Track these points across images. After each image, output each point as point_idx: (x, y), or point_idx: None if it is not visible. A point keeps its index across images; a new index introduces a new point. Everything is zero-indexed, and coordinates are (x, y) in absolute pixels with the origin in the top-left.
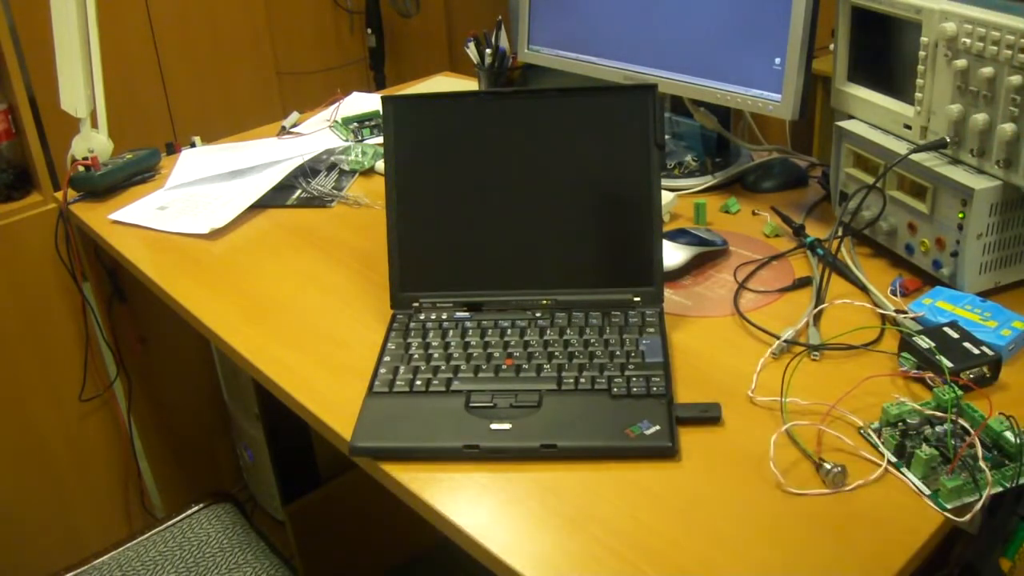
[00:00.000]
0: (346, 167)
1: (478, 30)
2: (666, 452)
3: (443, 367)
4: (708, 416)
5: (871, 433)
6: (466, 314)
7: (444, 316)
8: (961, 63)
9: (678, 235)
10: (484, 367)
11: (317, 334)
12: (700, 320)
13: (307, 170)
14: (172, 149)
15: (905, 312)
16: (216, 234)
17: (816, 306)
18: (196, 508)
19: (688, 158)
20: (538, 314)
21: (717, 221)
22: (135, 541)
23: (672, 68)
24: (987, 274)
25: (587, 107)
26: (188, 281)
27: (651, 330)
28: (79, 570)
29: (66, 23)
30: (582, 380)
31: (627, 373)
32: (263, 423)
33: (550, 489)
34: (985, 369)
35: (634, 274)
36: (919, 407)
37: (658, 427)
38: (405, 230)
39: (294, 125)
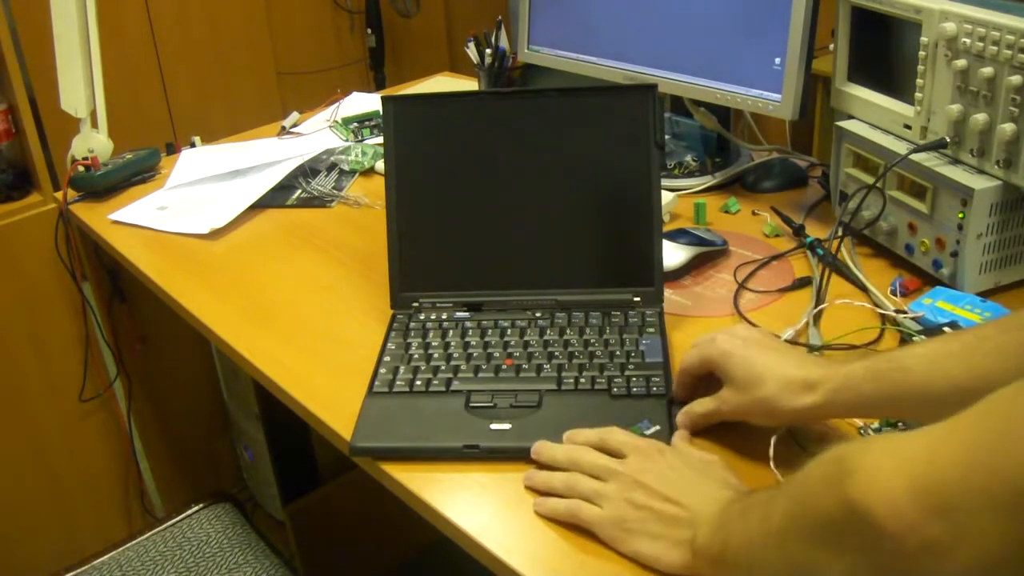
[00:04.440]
0: (346, 167)
1: (478, 30)
2: None
3: (443, 367)
4: None
5: (871, 433)
6: (466, 314)
7: (444, 316)
8: (961, 63)
9: (678, 235)
10: (484, 367)
11: (317, 334)
12: (700, 320)
13: (307, 170)
14: (172, 149)
15: (905, 312)
16: (216, 234)
17: (816, 306)
18: (196, 508)
19: (688, 158)
20: (538, 314)
21: (717, 221)
22: (135, 541)
23: (672, 68)
24: (987, 274)
25: (587, 107)
26: (188, 281)
27: (651, 330)
28: (79, 570)
29: (66, 23)
30: (582, 380)
31: (627, 373)
32: (263, 423)
33: None
34: None
35: (634, 274)
36: None
37: (658, 427)
38: (405, 230)
39: (294, 125)
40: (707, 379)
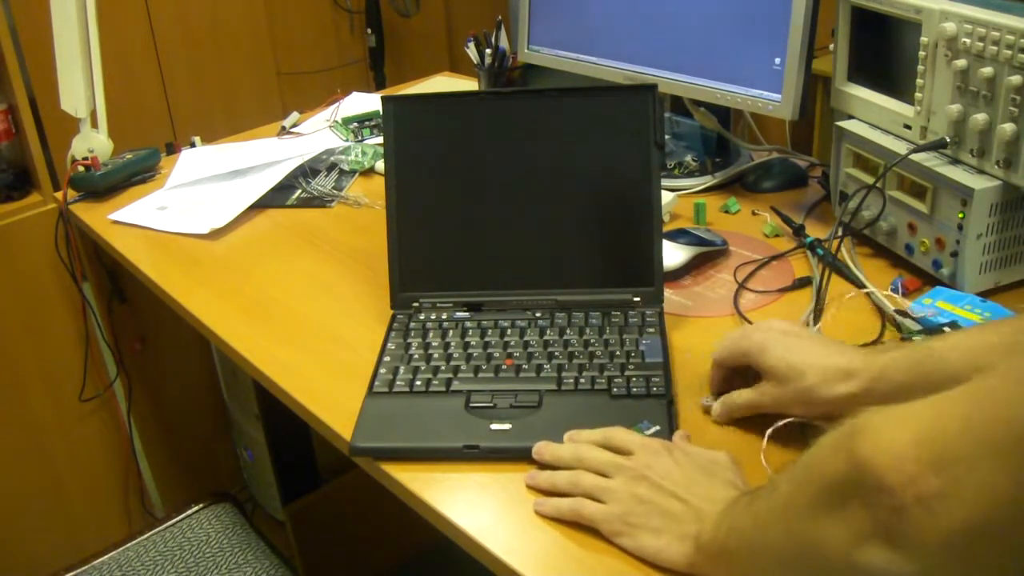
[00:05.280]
0: (346, 167)
1: (478, 30)
2: None
3: (443, 367)
4: None
5: None
6: (466, 314)
7: (444, 316)
8: (961, 63)
9: (678, 235)
10: (484, 367)
11: (317, 334)
12: (700, 320)
13: (307, 170)
14: (172, 149)
15: (905, 312)
16: (216, 234)
17: (816, 306)
18: (196, 508)
19: (688, 158)
20: (538, 314)
21: (717, 221)
22: (135, 541)
23: (672, 68)
24: (987, 274)
25: (587, 107)
26: (188, 281)
27: (651, 330)
28: (79, 570)
29: (66, 23)
30: (582, 380)
31: (627, 373)
32: (263, 423)
33: None
34: None
35: (634, 274)
36: None
37: (658, 427)
38: (405, 230)
39: (294, 125)
40: (743, 371)
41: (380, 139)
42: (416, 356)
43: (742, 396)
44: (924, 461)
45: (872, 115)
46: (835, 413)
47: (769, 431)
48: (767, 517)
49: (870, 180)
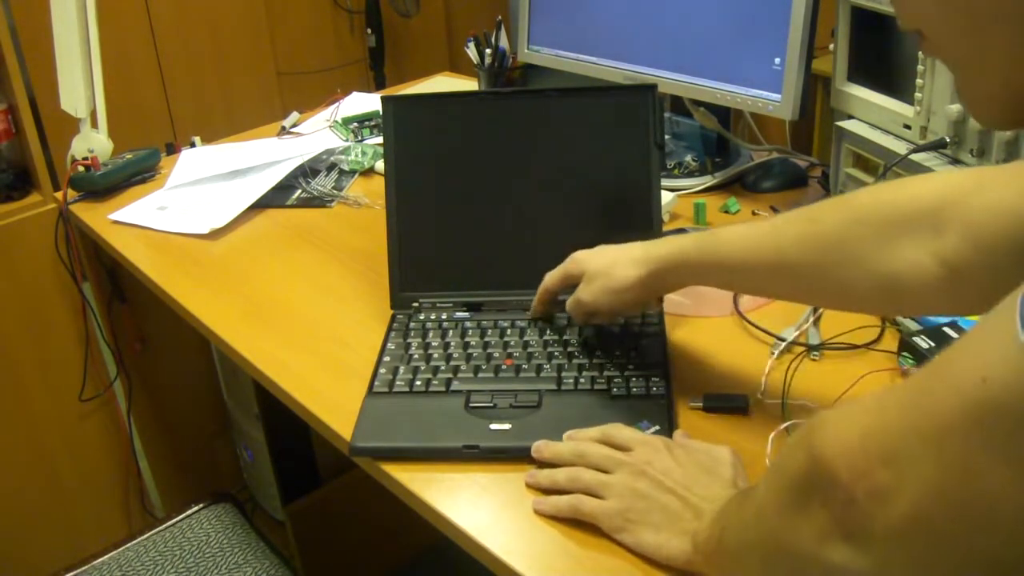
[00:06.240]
0: (346, 167)
1: (478, 30)
2: None
3: (443, 367)
4: (735, 407)
5: None
6: (466, 314)
7: (444, 316)
8: None
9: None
10: (484, 367)
11: (317, 334)
12: (700, 320)
13: (307, 170)
14: (172, 149)
15: None
16: (216, 234)
17: (816, 306)
18: (196, 508)
19: (688, 158)
20: None
21: (717, 221)
22: (135, 541)
23: (672, 68)
24: None
25: (587, 107)
26: (188, 281)
27: (651, 330)
28: (79, 570)
29: (66, 23)
30: (582, 380)
31: (627, 373)
32: (263, 423)
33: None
34: None
35: None
36: None
37: (657, 427)
38: (405, 230)
39: (294, 125)
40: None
41: (380, 139)
42: (416, 356)
43: (570, 300)
44: (872, 454)
45: (872, 115)
46: (638, 300)
47: (772, 434)
48: (750, 518)
49: (870, 180)
